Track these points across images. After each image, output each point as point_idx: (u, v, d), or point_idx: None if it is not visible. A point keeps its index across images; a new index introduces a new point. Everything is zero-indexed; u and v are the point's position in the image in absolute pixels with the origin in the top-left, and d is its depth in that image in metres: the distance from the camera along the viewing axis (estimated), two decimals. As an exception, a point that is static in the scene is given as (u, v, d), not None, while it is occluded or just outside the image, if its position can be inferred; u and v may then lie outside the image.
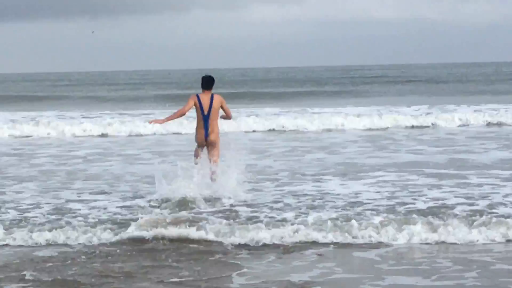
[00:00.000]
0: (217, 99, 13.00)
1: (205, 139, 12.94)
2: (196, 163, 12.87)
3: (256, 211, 11.61)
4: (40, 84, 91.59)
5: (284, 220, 10.79)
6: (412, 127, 27.18)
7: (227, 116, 13.25)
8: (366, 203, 12.12)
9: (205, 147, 13.04)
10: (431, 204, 11.98)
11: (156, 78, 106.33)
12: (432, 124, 27.73)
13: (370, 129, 26.72)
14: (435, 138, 23.10)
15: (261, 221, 10.68)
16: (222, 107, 13.04)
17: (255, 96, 50.96)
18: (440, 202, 12.15)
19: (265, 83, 79.10)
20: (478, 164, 16.67)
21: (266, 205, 12.05)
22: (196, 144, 13.17)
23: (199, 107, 12.90)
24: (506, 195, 12.63)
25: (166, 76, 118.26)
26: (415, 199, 12.42)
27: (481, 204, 11.92)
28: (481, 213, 11.03)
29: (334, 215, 10.95)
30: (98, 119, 30.30)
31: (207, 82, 13.05)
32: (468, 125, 27.52)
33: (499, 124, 27.58)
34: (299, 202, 12.29)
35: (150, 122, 13.85)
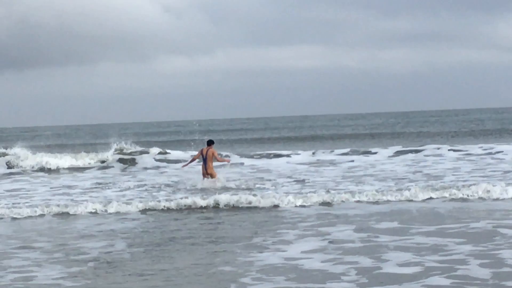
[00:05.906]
0: (210, 151, 24.87)
1: (206, 172, 24.74)
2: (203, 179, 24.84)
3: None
4: None
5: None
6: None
7: (218, 160, 25.26)
8: None
9: (208, 176, 24.71)
10: None
11: (64, 134, 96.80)
12: None
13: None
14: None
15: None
16: (213, 154, 24.74)
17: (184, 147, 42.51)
18: None
19: (193, 135, 70.76)
20: None
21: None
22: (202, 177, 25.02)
23: (201, 155, 25.10)
24: None
25: (77, 132, 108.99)
26: None
27: None
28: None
29: None
30: None
31: (208, 142, 25.37)
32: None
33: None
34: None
35: (182, 167, 27.42)
